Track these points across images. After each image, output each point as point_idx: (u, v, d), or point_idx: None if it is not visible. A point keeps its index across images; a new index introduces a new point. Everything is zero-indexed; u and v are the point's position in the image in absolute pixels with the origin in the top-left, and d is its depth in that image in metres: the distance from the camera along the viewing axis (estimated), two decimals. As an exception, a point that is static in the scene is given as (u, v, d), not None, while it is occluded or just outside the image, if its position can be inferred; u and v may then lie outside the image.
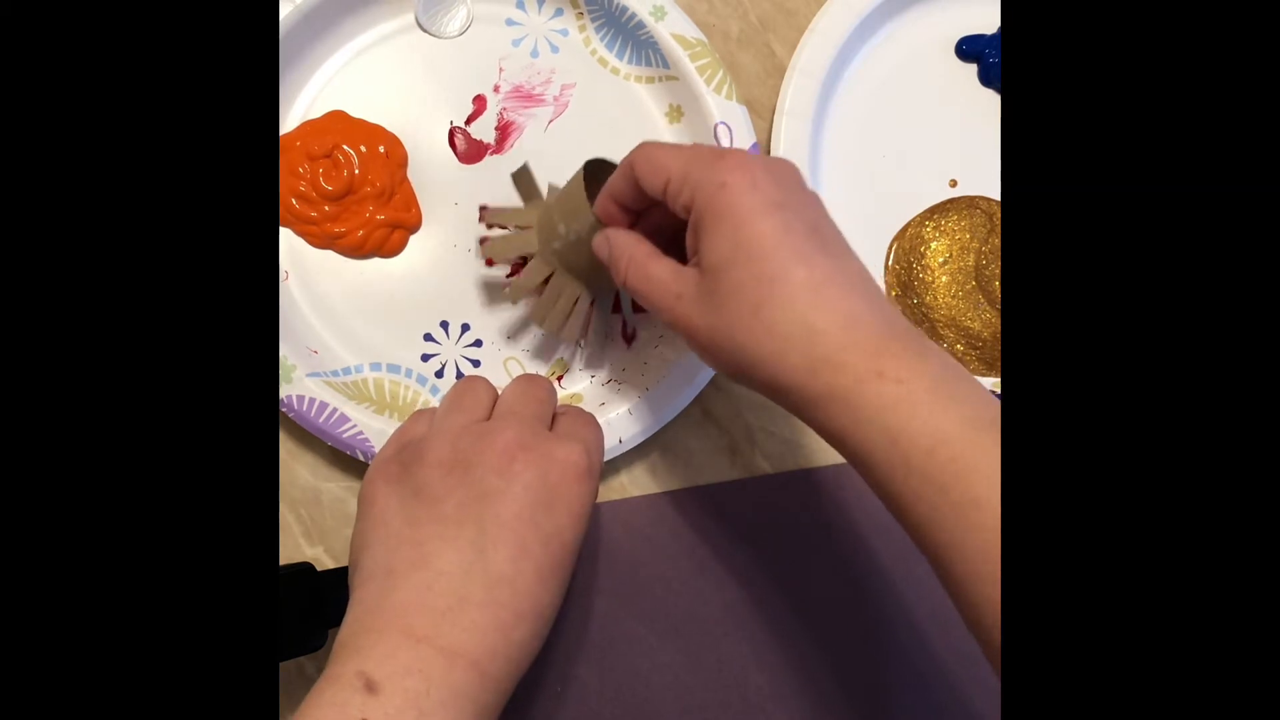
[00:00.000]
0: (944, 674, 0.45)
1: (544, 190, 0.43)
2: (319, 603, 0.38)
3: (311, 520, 0.44)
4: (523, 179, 0.42)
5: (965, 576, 0.28)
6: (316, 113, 0.45)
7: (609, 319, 0.45)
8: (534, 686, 0.43)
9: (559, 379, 0.45)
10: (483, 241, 0.44)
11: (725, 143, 0.45)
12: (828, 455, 0.46)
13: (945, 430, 0.28)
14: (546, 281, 0.41)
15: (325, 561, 0.43)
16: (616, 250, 0.36)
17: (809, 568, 0.45)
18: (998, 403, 0.30)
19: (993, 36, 0.48)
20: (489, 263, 0.43)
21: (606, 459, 0.43)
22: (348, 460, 0.44)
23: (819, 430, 0.32)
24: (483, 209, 0.44)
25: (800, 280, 0.31)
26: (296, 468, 0.44)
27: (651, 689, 0.43)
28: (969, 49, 0.48)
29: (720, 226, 0.32)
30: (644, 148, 0.35)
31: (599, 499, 0.44)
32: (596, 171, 0.40)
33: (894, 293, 0.47)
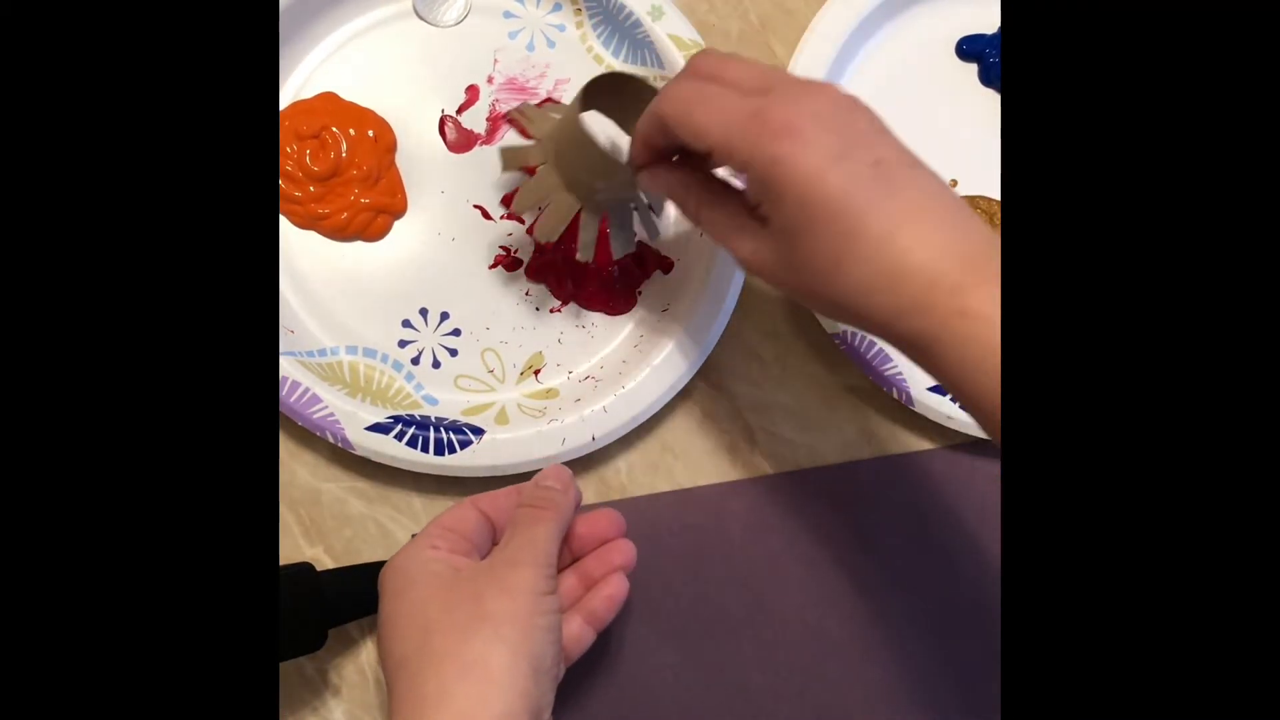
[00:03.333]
0: (946, 672, 0.46)
1: (530, 126, 0.46)
2: (319, 603, 0.39)
3: (311, 520, 0.45)
4: (511, 158, 0.44)
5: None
6: (308, 93, 0.48)
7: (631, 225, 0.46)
8: None
9: (536, 373, 0.46)
10: (529, 230, 0.46)
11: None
12: (828, 455, 0.48)
13: None
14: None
15: (325, 561, 0.45)
16: (680, 195, 0.39)
17: (810, 567, 0.47)
18: None
19: (993, 36, 0.50)
20: (547, 247, 0.46)
21: (580, 456, 0.45)
22: (348, 460, 0.46)
23: (916, 360, 0.34)
24: (506, 200, 0.48)
25: (875, 233, 0.32)
26: (296, 468, 0.46)
27: (652, 689, 0.45)
28: (969, 49, 0.50)
29: (784, 199, 0.33)
30: (672, 104, 0.36)
31: (600, 499, 0.47)
32: (602, 90, 0.42)
33: (891, 295, 0.48)
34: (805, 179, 0.33)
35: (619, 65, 0.50)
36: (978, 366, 0.31)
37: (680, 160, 0.39)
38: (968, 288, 0.31)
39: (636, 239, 0.46)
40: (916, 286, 0.32)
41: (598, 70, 0.49)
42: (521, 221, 0.48)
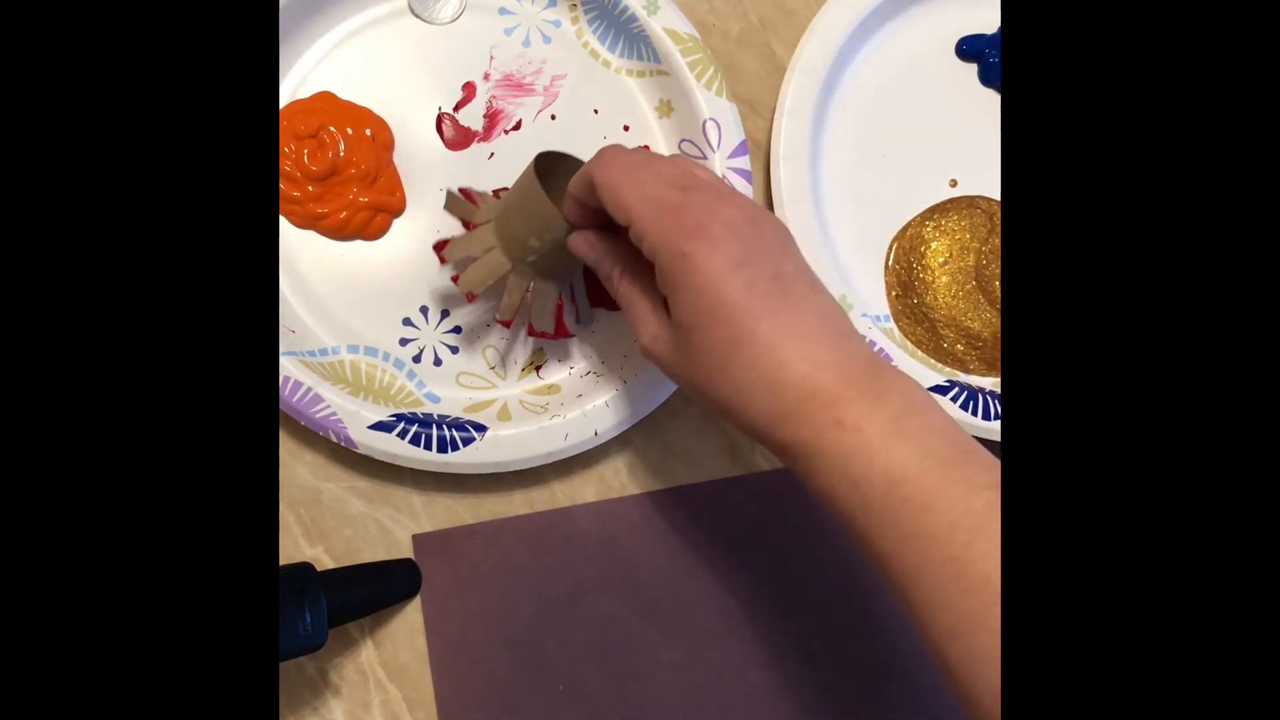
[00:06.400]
0: None
1: (480, 201, 0.48)
2: (319, 602, 0.42)
3: (311, 520, 0.48)
4: (455, 204, 0.47)
5: (923, 605, 0.33)
6: (305, 93, 0.50)
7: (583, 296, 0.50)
8: (536, 686, 0.47)
9: (537, 369, 0.48)
10: (455, 279, 0.47)
11: (713, 139, 0.50)
12: None
13: (900, 470, 0.34)
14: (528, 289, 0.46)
15: (325, 561, 0.48)
16: (604, 263, 0.42)
17: (809, 563, 0.49)
18: (954, 432, 0.36)
19: (993, 36, 0.52)
20: (470, 298, 0.46)
21: (582, 451, 0.48)
22: (348, 459, 0.48)
23: (791, 469, 0.38)
24: (439, 246, 0.48)
25: (763, 339, 0.36)
26: (296, 468, 0.48)
27: (653, 686, 0.48)
28: (969, 49, 0.53)
29: (683, 293, 0.37)
30: (605, 170, 0.39)
31: (600, 498, 0.49)
32: (548, 168, 0.45)
33: (894, 293, 0.51)
34: (706, 279, 0.36)
35: (615, 62, 0.52)
36: (844, 477, 0.34)
37: (611, 231, 0.42)
38: (844, 401, 0.35)
39: (561, 318, 0.47)
40: (794, 395, 0.35)
41: (594, 66, 0.52)
42: (443, 262, 0.49)
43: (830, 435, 0.35)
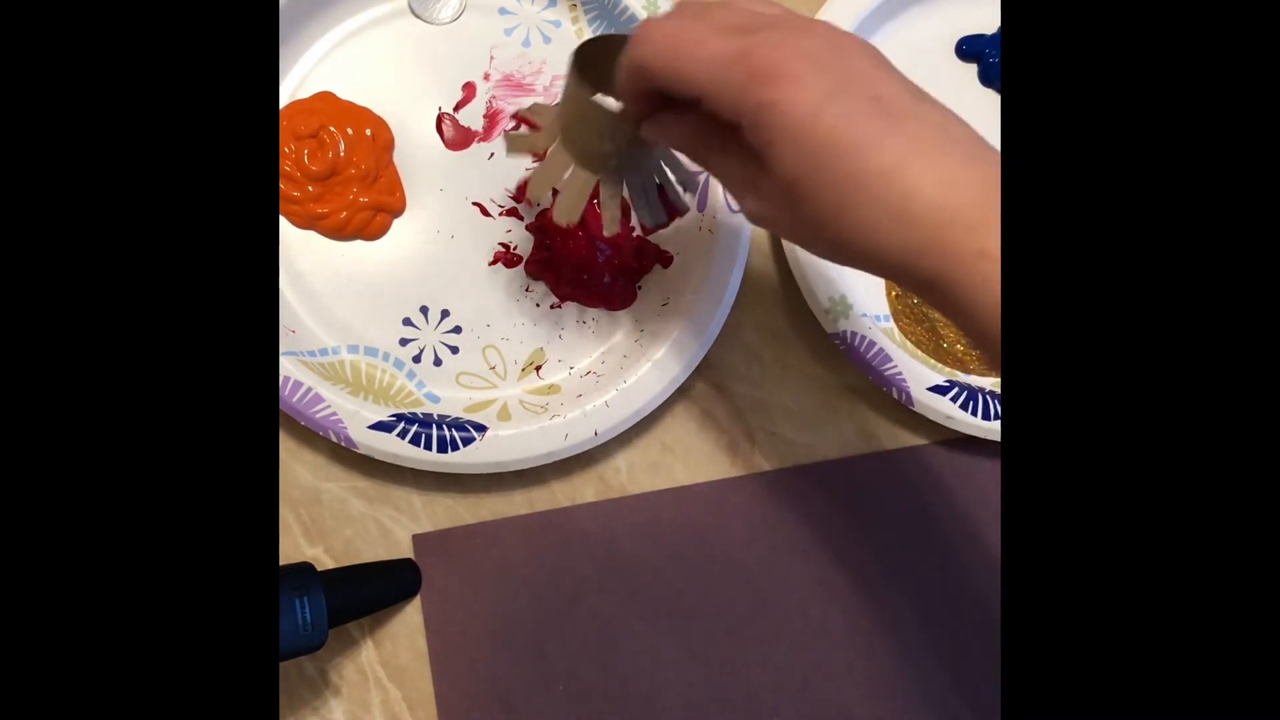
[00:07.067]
0: (946, 666, 0.49)
1: (540, 121, 0.45)
2: (319, 602, 0.42)
3: (311, 520, 0.48)
4: (518, 142, 0.45)
5: None
6: (305, 93, 0.50)
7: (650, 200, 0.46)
8: (536, 686, 0.48)
9: (537, 369, 0.48)
10: (547, 215, 0.46)
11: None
12: (827, 455, 0.51)
13: None
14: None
15: (325, 561, 0.48)
16: (686, 144, 0.38)
17: (810, 563, 0.50)
18: None
19: (993, 36, 0.53)
20: (530, 205, 0.45)
21: (582, 451, 0.48)
22: (348, 459, 0.49)
23: (930, 301, 0.34)
24: (520, 191, 0.49)
25: (879, 169, 0.32)
26: (296, 468, 0.49)
27: (654, 687, 0.48)
28: (969, 49, 0.53)
29: (778, 145, 0.33)
30: (647, 48, 0.35)
31: (600, 498, 0.50)
32: (595, 58, 0.41)
33: (894, 293, 0.51)
34: (797, 122, 0.32)
35: None
36: (992, 301, 0.31)
37: (683, 106, 0.38)
38: (986, 225, 0.31)
39: (665, 213, 0.45)
40: (930, 225, 0.32)
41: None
42: (531, 204, 0.50)
43: (974, 265, 0.31)
